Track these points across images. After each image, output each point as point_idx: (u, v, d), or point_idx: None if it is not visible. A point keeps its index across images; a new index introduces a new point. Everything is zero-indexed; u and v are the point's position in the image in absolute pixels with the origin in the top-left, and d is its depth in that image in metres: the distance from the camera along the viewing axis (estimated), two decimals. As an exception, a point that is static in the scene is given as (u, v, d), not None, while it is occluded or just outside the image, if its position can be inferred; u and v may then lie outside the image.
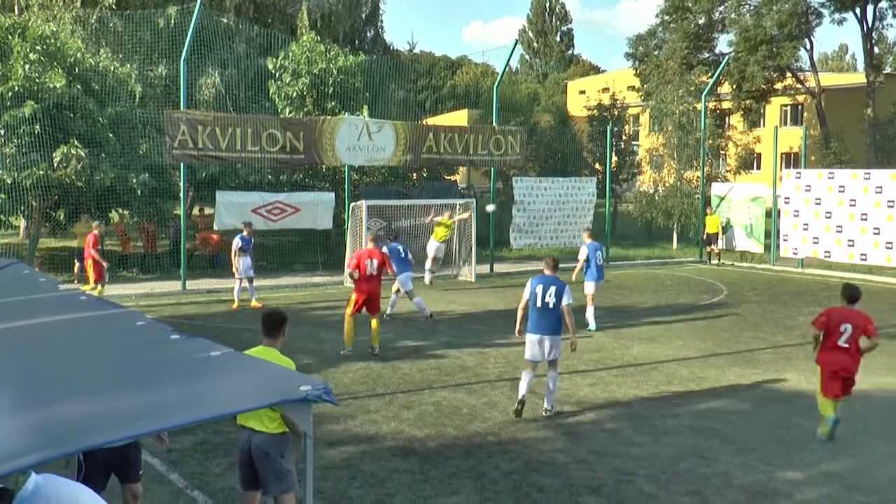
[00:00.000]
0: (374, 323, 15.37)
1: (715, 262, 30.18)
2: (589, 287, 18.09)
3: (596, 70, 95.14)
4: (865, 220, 26.23)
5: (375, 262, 15.38)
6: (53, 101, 23.00)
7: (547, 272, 11.90)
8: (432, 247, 23.70)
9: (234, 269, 20.36)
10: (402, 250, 18.80)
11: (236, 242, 20.27)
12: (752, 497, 8.85)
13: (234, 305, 20.36)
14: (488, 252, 27.67)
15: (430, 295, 21.79)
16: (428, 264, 23.53)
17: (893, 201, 25.60)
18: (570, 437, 10.79)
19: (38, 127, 22.51)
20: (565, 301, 11.56)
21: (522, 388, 11.63)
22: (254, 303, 20.16)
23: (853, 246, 26.48)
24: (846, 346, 10.47)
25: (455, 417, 11.55)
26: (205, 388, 4.19)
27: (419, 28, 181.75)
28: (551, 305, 11.56)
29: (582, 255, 18.29)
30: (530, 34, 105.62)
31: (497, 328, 17.92)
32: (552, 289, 11.59)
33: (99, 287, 19.49)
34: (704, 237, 30.92)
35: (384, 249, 17.58)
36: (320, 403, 3.96)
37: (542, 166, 37.10)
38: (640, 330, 17.99)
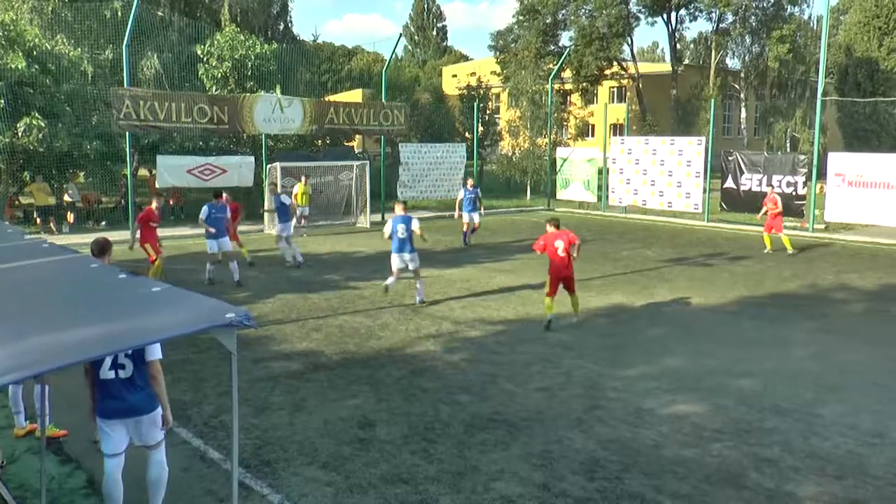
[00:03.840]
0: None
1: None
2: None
3: (465, 58, 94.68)
4: (671, 175, 27.16)
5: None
6: (15, 79, 22.06)
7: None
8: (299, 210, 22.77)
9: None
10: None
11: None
12: (588, 390, 9.12)
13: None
14: (380, 203, 27.54)
15: (334, 239, 21.67)
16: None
17: (690, 161, 26.59)
18: (447, 349, 10.91)
19: (2, 101, 21.73)
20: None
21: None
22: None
23: (662, 196, 27.42)
24: (563, 255, 12.07)
25: (355, 336, 11.53)
26: (148, 318, 4.08)
27: (320, 21, 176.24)
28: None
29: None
30: (412, 29, 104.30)
31: (387, 266, 17.87)
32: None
33: None
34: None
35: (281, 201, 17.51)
36: (243, 328, 3.90)
37: (423, 135, 36.87)
38: (502, 264, 18.16)
